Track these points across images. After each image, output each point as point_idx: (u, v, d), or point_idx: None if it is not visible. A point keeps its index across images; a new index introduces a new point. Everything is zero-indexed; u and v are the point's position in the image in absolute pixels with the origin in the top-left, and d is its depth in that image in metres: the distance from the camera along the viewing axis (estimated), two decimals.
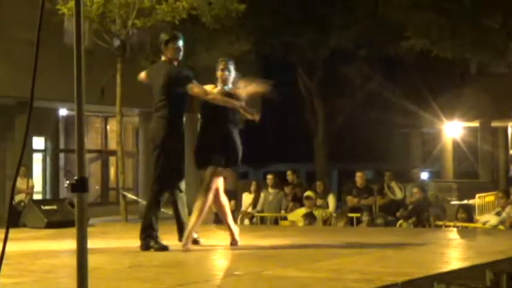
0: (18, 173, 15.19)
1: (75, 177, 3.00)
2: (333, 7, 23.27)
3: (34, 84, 3.15)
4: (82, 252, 2.99)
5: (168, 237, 7.03)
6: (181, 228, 7.04)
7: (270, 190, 13.94)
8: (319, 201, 13.18)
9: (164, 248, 6.61)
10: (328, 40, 23.99)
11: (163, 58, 7.14)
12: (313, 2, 23.16)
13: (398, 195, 13.51)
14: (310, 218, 12.42)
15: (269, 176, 14.14)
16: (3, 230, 3.28)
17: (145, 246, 6.70)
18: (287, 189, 13.95)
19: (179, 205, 7.06)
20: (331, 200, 13.33)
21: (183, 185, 7.08)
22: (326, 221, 12.73)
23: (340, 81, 26.96)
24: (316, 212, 12.68)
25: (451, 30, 18.95)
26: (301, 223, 12.33)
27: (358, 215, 12.99)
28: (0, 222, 4.84)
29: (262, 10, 21.44)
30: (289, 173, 14.52)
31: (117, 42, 14.47)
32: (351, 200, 13.63)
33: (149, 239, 6.71)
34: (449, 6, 18.84)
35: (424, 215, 12.46)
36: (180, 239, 6.99)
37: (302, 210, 12.80)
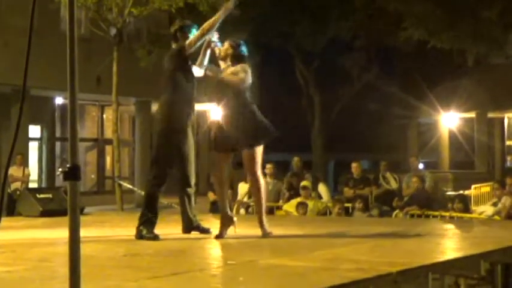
0: (13, 162, 15.26)
1: (68, 165, 2.99)
2: None
3: (27, 73, 3.12)
4: (74, 241, 2.97)
5: (163, 226, 7.02)
6: (186, 222, 7.03)
7: (269, 180, 13.89)
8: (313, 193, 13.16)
9: (155, 238, 6.58)
10: (325, 30, 23.94)
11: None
12: None
13: (393, 185, 13.52)
14: (303, 208, 12.40)
15: (268, 166, 14.07)
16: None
17: (138, 235, 6.68)
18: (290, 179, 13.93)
19: (185, 199, 7.02)
20: (322, 190, 13.30)
21: (192, 179, 7.01)
22: (323, 214, 12.70)
23: (337, 71, 26.94)
24: (312, 204, 12.65)
25: (449, 21, 18.92)
26: (296, 213, 12.32)
27: (355, 204, 12.97)
28: None
29: (260, 0, 21.39)
30: (296, 159, 14.47)
31: (113, 31, 14.43)
32: (347, 192, 13.63)
33: (142, 228, 6.69)
34: None
35: (423, 205, 12.41)
36: (184, 231, 6.99)
37: (298, 200, 12.79)
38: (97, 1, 13.68)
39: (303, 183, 13.24)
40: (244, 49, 6.93)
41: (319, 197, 13.18)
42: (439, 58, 23.63)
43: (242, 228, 7.18)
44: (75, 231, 3.00)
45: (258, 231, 6.78)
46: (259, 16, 22.26)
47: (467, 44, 19.95)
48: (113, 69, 14.21)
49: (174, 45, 7.01)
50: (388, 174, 13.73)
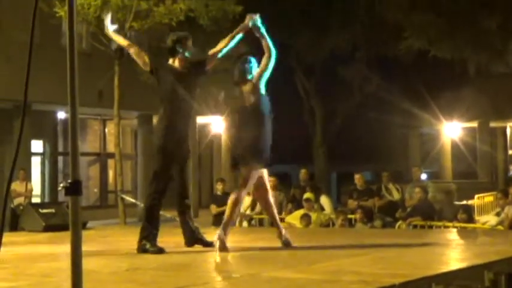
0: (16, 177, 15.26)
1: (69, 180, 2.99)
2: (331, 8, 23.26)
3: (27, 87, 3.14)
4: (77, 255, 2.97)
5: (166, 240, 7.01)
6: (189, 234, 7.00)
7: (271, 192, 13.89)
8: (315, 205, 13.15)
9: (160, 251, 6.56)
10: (326, 41, 23.97)
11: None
12: (311, 3, 23.15)
13: (396, 196, 13.49)
14: (307, 219, 12.39)
15: (271, 178, 14.08)
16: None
17: (141, 249, 6.66)
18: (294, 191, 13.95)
19: (185, 211, 7.00)
20: (324, 202, 13.28)
21: (187, 191, 7.02)
22: (326, 225, 12.67)
23: (339, 82, 26.95)
24: (315, 216, 12.62)
25: (449, 31, 18.96)
26: (299, 225, 12.31)
27: (356, 215, 12.95)
28: None
29: (259, 12, 21.43)
30: (303, 171, 14.48)
31: (114, 45, 14.46)
32: (351, 203, 13.61)
33: (145, 242, 6.67)
34: (447, 7, 18.85)
35: (427, 216, 12.37)
36: (187, 244, 6.98)
37: (301, 212, 12.77)
38: (98, 16, 13.73)
39: (306, 195, 13.23)
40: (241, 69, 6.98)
41: (322, 209, 13.16)
42: (440, 68, 23.65)
43: (245, 241, 7.17)
44: (77, 246, 3.00)
45: (261, 244, 6.78)
46: None
47: (468, 53, 19.99)
48: (115, 83, 14.25)
49: (171, 60, 7.02)
50: (390, 185, 13.69)
